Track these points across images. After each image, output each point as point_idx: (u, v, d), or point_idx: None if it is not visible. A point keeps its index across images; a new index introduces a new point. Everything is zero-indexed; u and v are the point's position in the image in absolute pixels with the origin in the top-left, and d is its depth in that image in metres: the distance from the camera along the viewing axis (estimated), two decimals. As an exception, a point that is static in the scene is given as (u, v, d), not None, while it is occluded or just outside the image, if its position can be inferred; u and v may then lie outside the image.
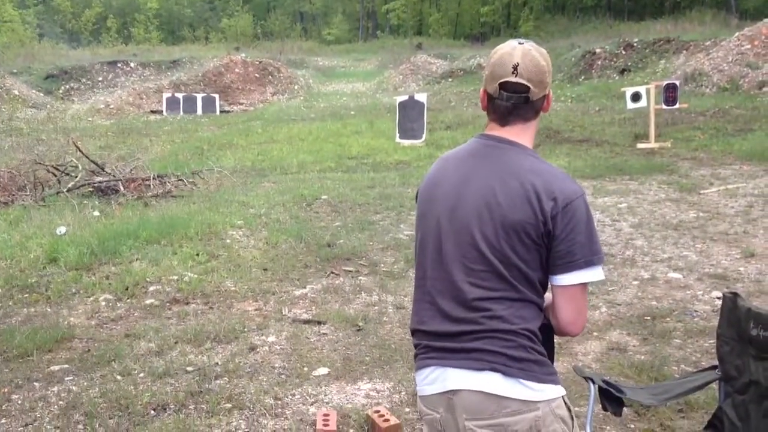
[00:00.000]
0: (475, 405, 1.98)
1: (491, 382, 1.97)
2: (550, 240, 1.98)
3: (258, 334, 5.45)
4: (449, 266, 2.07)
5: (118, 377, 4.70)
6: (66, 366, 4.91)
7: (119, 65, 33.74)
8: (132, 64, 34.21)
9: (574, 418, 2.08)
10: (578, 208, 1.99)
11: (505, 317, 1.99)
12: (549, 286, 2.07)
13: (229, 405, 4.29)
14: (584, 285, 2.02)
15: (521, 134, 2.11)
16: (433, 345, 2.09)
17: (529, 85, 2.02)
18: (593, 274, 2.00)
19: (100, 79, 32.28)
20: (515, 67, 2.01)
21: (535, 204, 1.97)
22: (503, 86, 2.04)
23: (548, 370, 2.02)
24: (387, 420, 3.95)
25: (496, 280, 2.01)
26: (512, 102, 2.05)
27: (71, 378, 4.72)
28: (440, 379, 2.06)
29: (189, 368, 4.83)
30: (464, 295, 2.03)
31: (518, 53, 2.03)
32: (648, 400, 3.01)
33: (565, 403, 2.04)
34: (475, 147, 2.16)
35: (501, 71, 2.04)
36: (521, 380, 1.96)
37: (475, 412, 1.98)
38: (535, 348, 2.01)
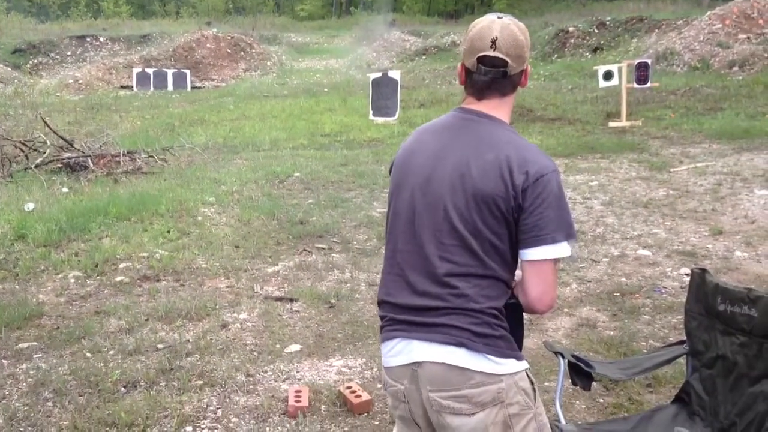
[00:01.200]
0: (439, 377, 1.99)
1: (455, 354, 1.97)
2: (519, 213, 1.97)
3: (230, 311, 5.42)
4: (421, 239, 2.06)
5: (88, 354, 4.66)
6: (35, 343, 4.86)
7: (88, 40, 33.14)
8: (101, 39, 33.62)
9: (537, 390, 2.09)
10: (549, 182, 1.97)
11: (471, 296, 1.99)
12: (520, 262, 2.06)
13: (200, 382, 4.27)
14: (553, 261, 1.99)
15: (498, 108, 2.09)
16: (399, 318, 2.09)
17: (507, 59, 2.01)
18: (560, 250, 1.97)
19: (69, 53, 31.71)
20: (494, 41, 2.00)
21: (506, 176, 1.96)
22: (481, 60, 2.02)
23: (512, 345, 2.03)
24: (359, 396, 3.97)
25: (466, 255, 2.00)
26: (490, 76, 2.04)
27: (40, 355, 4.68)
28: (405, 351, 2.06)
29: (160, 345, 4.80)
30: (434, 269, 2.03)
31: (497, 27, 2.01)
32: (616, 374, 3.04)
33: (528, 376, 2.06)
34: (451, 120, 2.14)
35: (480, 45, 2.01)
36: (486, 354, 1.97)
37: (439, 384, 1.99)
38: (500, 324, 2.01)
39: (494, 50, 2.00)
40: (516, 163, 1.97)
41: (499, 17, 2.05)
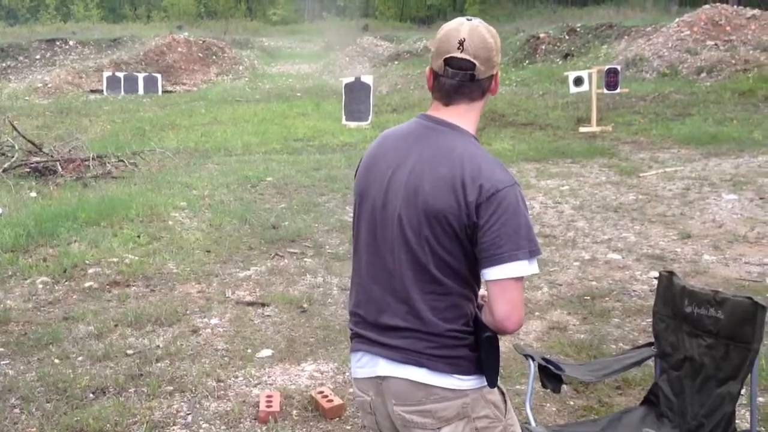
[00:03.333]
0: (403, 392, 1.98)
1: (417, 373, 1.96)
2: (475, 231, 1.88)
3: (200, 317, 5.39)
4: (382, 252, 2.02)
5: (56, 360, 4.61)
6: (2, 350, 4.79)
7: (58, 43, 32.74)
8: (71, 42, 33.24)
9: (508, 401, 2.08)
10: (505, 197, 1.86)
11: (427, 319, 1.94)
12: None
13: (170, 388, 4.24)
14: (515, 280, 1.87)
15: (464, 115, 2.01)
16: (363, 334, 2.08)
17: (475, 61, 1.93)
18: (521, 269, 1.86)
19: (38, 57, 31.30)
20: (461, 43, 1.93)
21: (459, 192, 1.88)
22: (448, 62, 1.95)
23: (476, 362, 1.97)
24: (331, 401, 3.96)
25: (421, 272, 1.95)
26: (458, 79, 1.96)
27: (7, 362, 4.61)
28: (370, 364, 2.05)
29: (129, 351, 4.76)
30: (393, 284, 1.99)
31: (465, 29, 1.95)
32: (586, 376, 3.07)
33: (499, 388, 2.04)
34: (414, 128, 2.07)
35: (447, 47, 1.95)
36: (448, 373, 1.95)
37: (403, 398, 1.99)
38: (461, 344, 1.96)
39: (461, 52, 1.93)
40: (470, 178, 1.88)
41: (468, 19, 1.98)
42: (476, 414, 1.97)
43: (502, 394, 2.05)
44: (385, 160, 2.05)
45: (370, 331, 2.05)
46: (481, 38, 1.95)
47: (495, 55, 1.98)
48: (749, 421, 2.62)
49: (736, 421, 2.86)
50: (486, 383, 1.98)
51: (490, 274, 1.88)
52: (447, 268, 1.94)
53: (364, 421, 2.18)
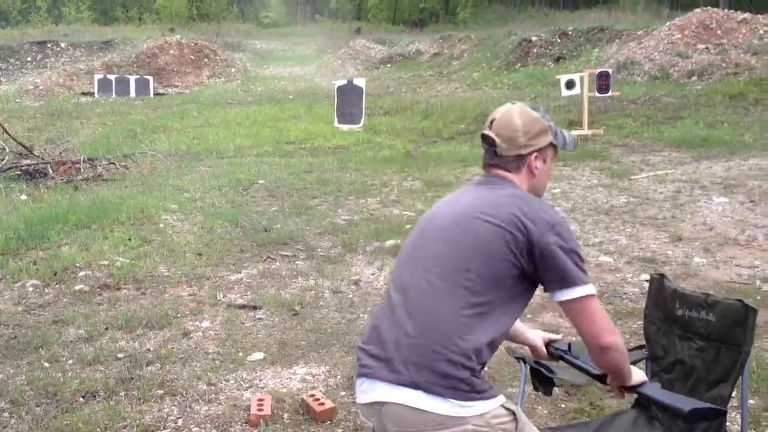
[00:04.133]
0: (400, 417, 1.95)
1: (414, 396, 1.93)
2: (530, 265, 2.01)
3: (192, 320, 5.36)
4: (417, 272, 2.08)
5: (46, 364, 4.57)
6: (-10, 354, 4.76)
7: (49, 45, 32.70)
8: (62, 45, 33.20)
9: (519, 419, 2.02)
10: (559, 233, 2.01)
11: (445, 332, 1.96)
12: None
13: (160, 391, 4.21)
14: (585, 298, 2.02)
15: (505, 179, 2.20)
16: (364, 358, 2.09)
17: (496, 138, 2.17)
18: (587, 289, 2.02)
19: (29, 59, 31.25)
20: (491, 122, 2.21)
21: (518, 227, 2.00)
22: (482, 136, 2.24)
23: (478, 387, 1.95)
24: (322, 404, 3.94)
25: (458, 291, 1.99)
26: (486, 153, 2.23)
27: (-4, 366, 4.58)
28: (369, 389, 2.05)
29: (120, 355, 4.73)
30: (418, 305, 2.05)
31: (501, 110, 2.23)
32: (578, 379, 3.06)
33: (506, 408, 1.99)
34: (475, 180, 2.30)
35: (486, 123, 2.24)
36: (446, 398, 1.92)
37: (401, 424, 1.96)
38: (467, 365, 1.94)
39: (489, 129, 2.21)
40: (525, 216, 2.01)
41: (512, 103, 2.25)
42: None
43: (512, 413, 2.00)
44: (444, 201, 2.27)
45: (379, 348, 2.07)
46: (508, 119, 2.19)
47: (520, 136, 2.17)
48: (740, 424, 2.62)
49: (727, 424, 2.87)
50: (490, 409, 1.95)
51: (559, 296, 2.05)
52: (488, 290, 2.03)
53: None
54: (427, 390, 1.92)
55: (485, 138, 2.22)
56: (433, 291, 2.01)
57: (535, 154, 2.19)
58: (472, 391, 1.93)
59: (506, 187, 2.15)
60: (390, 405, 1.98)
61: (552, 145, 2.23)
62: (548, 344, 2.55)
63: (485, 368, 2.03)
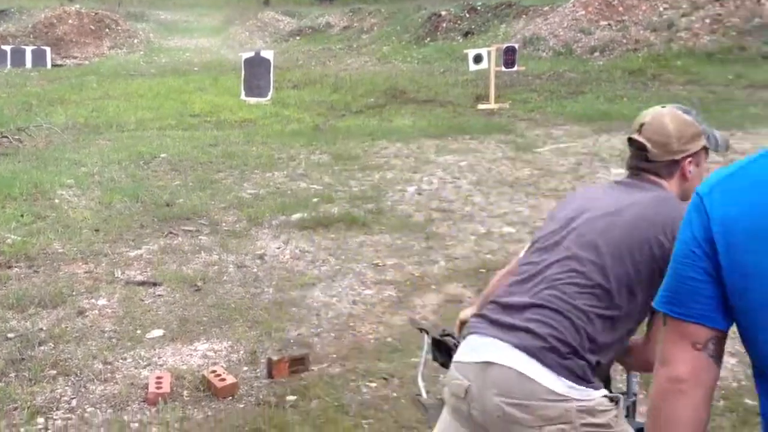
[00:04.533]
0: (507, 383, 1.90)
1: (528, 364, 1.89)
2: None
3: (87, 298, 5.17)
4: (558, 253, 2.08)
5: (-72, 347, 4.33)
6: None
7: (-64, 13, 30.83)
8: (-49, 12, 31.34)
9: (621, 406, 1.97)
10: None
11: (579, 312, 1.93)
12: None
13: (53, 372, 4.05)
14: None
15: (655, 184, 2.16)
16: (489, 316, 2.05)
17: (647, 144, 2.11)
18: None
19: None
20: (641, 126, 2.14)
21: (665, 230, 1.97)
22: (629, 140, 2.19)
23: (590, 378, 1.93)
24: (223, 379, 3.87)
25: (597, 294, 1.97)
26: (634, 155, 2.19)
27: None
28: (480, 347, 2.00)
29: (10, 335, 4.53)
30: (557, 284, 2.02)
31: (650, 113, 2.16)
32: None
33: (609, 397, 1.93)
34: (620, 179, 2.31)
35: (634, 127, 2.17)
36: (558, 375, 1.88)
37: (504, 389, 1.90)
38: (585, 358, 1.92)
39: (639, 134, 2.14)
40: (672, 223, 1.92)
41: (662, 107, 2.19)
42: (582, 420, 1.87)
43: (614, 401, 1.95)
44: (587, 191, 2.43)
45: (499, 313, 2.04)
46: (660, 124, 2.13)
47: (674, 142, 2.12)
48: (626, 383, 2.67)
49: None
50: (596, 397, 1.90)
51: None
52: (626, 289, 2.00)
53: (451, 406, 2.07)
54: (543, 362, 1.89)
55: (634, 142, 2.17)
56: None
57: (689, 158, 2.15)
58: (583, 379, 1.90)
59: (657, 191, 2.13)
60: (499, 367, 1.92)
61: (705, 148, 2.19)
62: None
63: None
